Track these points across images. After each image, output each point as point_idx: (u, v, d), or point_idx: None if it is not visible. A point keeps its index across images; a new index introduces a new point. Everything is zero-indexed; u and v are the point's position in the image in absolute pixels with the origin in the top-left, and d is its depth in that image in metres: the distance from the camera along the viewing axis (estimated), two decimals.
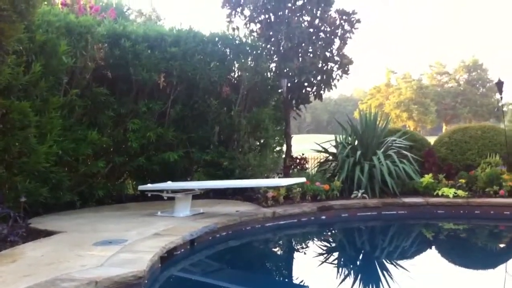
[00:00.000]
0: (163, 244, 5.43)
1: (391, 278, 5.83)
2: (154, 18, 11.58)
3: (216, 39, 9.70)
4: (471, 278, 6.19)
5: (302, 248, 7.82)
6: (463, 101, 64.07)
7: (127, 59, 8.51)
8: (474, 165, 10.87)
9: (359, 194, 9.52)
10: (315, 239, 8.43)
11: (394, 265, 6.63)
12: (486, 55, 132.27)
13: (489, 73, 67.01)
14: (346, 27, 11.30)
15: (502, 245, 8.46)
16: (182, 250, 5.98)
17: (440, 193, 9.73)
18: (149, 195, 8.24)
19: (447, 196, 9.59)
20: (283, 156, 11.34)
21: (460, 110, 63.41)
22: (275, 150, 11.05)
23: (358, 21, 11.30)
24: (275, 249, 7.91)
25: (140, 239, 5.71)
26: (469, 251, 7.71)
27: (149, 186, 7.99)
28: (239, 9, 11.25)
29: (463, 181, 10.08)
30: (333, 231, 9.07)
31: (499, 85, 11.98)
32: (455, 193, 9.65)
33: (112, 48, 8.42)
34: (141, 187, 8.01)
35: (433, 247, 8.51)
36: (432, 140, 12.85)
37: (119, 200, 9.06)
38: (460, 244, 8.32)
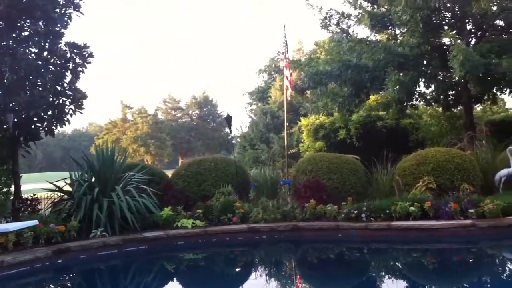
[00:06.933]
0: None
1: None
2: None
3: None
4: None
5: None
6: (197, 135, 67.74)
7: None
8: (210, 195, 11.38)
9: (98, 233, 9.11)
10: (50, 286, 7.77)
11: None
12: (215, 91, 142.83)
13: (219, 108, 72.47)
14: (78, 60, 10.93)
15: (237, 269, 9.00)
16: None
17: (179, 224, 9.93)
18: None
19: (186, 227, 9.84)
20: (12, 198, 10.29)
21: (194, 144, 66.80)
22: (1, 191, 9.95)
23: (91, 55, 11.02)
24: None
25: None
26: (208, 279, 7.97)
27: None
28: None
29: (200, 211, 10.48)
30: (71, 275, 8.53)
31: (228, 119, 12.90)
32: (194, 223, 9.96)
33: None
34: None
35: (174, 279, 8.63)
36: (170, 173, 13.15)
37: None
38: (200, 272, 8.57)
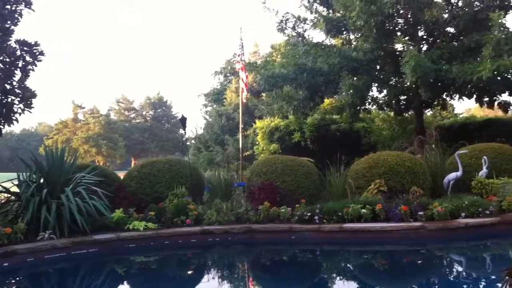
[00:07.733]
0: None
1: None
2: None
3: None
4: None
5: None
6: (151, 136, 66.94)
7: None
8: (163, 197, 11.23)
9: (46, 235, 8.85)
10: None
11: None
12: (170, 92, 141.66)
13: (173, 109, 71.89)
14: (28, 58, 10.62)
15: (190, 272, 8.91)
16: None
17: (131, 227, 9.74)
18: None
19: (138, 230, 9.66)
20: None
21: (148, 145, 66.02)
22: None
23: (42, 53, 10.72)
24: None
25: None
26: (160, 282, 7.86)
27: None
28: None
29: (153, 213, 10.31)
30: (18, 278, 8.25)
31: (183, 121, 12.78)
32: (146, 225, 9.79)
33: None
34: None
35: (125, 282, 8.48)
36: (122, 174, 12.92)
37: None
38: (151, 276, 8.44)
